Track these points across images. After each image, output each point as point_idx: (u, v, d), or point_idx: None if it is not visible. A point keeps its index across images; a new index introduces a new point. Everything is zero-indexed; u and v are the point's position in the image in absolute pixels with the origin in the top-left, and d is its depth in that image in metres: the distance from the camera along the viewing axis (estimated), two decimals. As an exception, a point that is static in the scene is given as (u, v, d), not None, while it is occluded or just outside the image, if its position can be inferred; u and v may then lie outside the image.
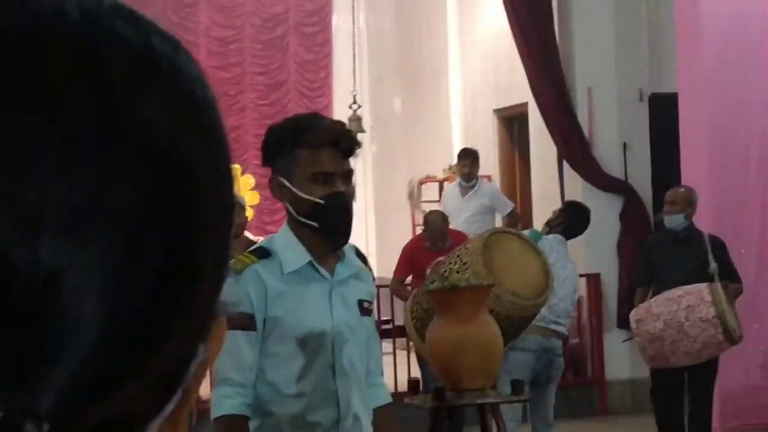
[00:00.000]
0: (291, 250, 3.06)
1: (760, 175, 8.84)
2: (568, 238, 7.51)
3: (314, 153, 3.05)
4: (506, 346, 6.59)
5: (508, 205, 10.73)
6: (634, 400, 9.74)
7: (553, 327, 7.04)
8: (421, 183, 13.75)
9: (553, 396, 7.23)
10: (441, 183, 12.74)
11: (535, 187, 11.42)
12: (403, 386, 8.88)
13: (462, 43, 13.30)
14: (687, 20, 8.88)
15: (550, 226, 7.45)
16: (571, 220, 7.52)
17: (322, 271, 3.09)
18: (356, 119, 13.31)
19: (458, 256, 6.23)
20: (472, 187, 10.54)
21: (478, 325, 4.30)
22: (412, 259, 9.00)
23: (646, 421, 7.57)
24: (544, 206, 11.04)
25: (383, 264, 15.96)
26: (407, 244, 9.51)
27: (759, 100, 8.83)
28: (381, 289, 10.26)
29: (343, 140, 3.08)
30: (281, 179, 3.07)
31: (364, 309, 3.16)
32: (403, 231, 13.73)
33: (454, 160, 12.46)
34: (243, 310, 2.97)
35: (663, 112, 9.82)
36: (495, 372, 4.43)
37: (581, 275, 9.85)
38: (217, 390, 3.01)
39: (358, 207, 14.90)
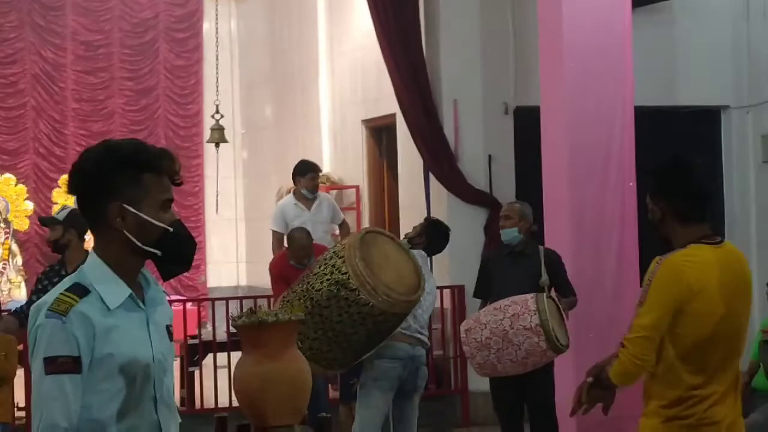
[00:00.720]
0: (109, 285, 2.98)
1: (618, 189, 8.99)
2: (428, 255, 7.62)
3: (161, 179, 3.02)
4: (375, 347, 6.58)
5: (341, 215, 10.81)
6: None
7: (418, 336, 7.06)
8: (289, 191, 13.66)
9: (417, 408, 7.22)
10: (286, 194, 12.63)
11: (402, 198, 11.47)
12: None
13: (331, 52, 13.30)
14: (550, 36, 9.03)
15: (412, 243, 7.42)
16: (431, 239, 7.57)
17: (139, 302, 3.04)
18: (218, 128, 13.20)
19: (334, 251, 6.25)
20: (315, 199, 10.52)
21: (286, 360, 4.26)
22: (282, 277, 8.96)
23: (501, 434, 7.67)
24: (410, 216, 11.10)
25: (252, 272, 15.92)
26: (273, 264, 9.45)
27: (617, 116, 9.00)
28: (245, 301, 10.26)
29: (179, 169, 3.09)
30: (125, 206, 2.96)
31: (171, 334, 3.14)
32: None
33: (324, 170, 12.44)
34: (69, 354, 2.88)
35: (528, 125, 9.92)
36: (303, 408, 4.37)
37: (446, 287, 9.96)
38: None
39: (229, 214, 14.75)
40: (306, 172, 10.49)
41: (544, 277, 7.36)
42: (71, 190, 3.05)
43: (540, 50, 9.25)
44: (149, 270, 3.15)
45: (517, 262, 7.53)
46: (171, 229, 3.02)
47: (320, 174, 10.81)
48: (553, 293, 7.31)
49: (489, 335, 7.03)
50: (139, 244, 2.99)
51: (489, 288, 7.57)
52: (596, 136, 8.95)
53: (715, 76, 11.14)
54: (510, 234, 7.60)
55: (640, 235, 9.13)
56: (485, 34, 10.45)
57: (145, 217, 2.98)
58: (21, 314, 7.42)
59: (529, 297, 7.03)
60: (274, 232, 10.44)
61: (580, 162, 8.91)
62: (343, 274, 6.00)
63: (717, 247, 4.22)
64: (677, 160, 4.31)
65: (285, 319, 4.18)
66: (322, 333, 6.09)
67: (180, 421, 3.20)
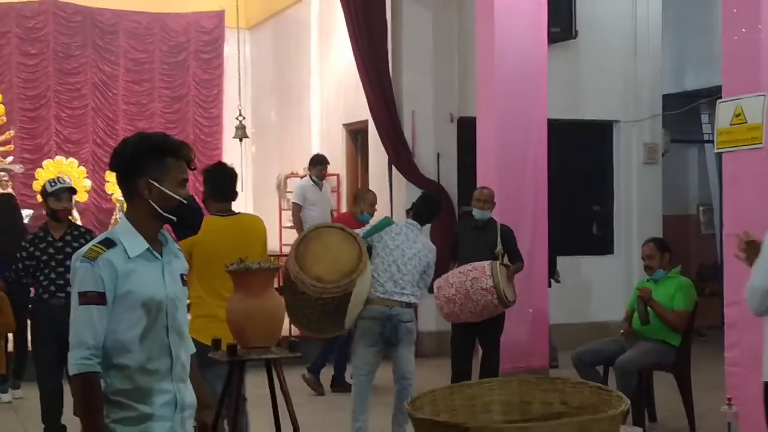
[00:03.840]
0: (132, 239, 3.03)
1: (533, 185, 9.04)
2: (420, 222, 6.80)
3: (179, 163, 3.07)
4: (339, 321, 6.12)
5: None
6: (439, 346, 9.89)
7: (396, 297, 6.39)
8: (286, 177, 13.68)
9: (407, 354, 6.52)
10: (301, 177, 12.64)
11: (371, 184, 11.41)
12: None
13: (321, 70, 13.24)
14: (485, 62, 9.02)
15: (408, 213, 7.16)
16: (418, 209, 6.97)
17: (156, 254, 3.07)
18: (241, 127, 13.24)
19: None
20: (323, 184, 10.67)
21: (264, 298, 4.38)
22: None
23: (447, 363, 7.61)
24: (378, 200, 11.06)
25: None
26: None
27: (534, 126, 9.03)
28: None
29: (194, 157, 3.16)
30: (151, 182, 3.01)
31: (184, 281, 3.18)
32: (273, 213, 13.67)
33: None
34: (96, 290, 2.93)
35: (468, 131, 9.91)
36: (277, 334, 4.43)
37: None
38: (75, 352, 2.93)
39: (239, 195, 14.75)
40: (318, 163, 10.62)
41: (499, 247, 7.32)
42: (112, 168, 3.09)
43: (477, 73, 9.24)
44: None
45: (479, 234, 7.47)
46: (185, 202, 3.07)
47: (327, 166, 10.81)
48: (506, 260, 7.28)
49: (454, 293, 7.02)
50: (161, 211, 3.03)
51: (457, 252, 7.51)
52: (518, 141, 8.96)
53: (609, 97, 11.15)
54: (486, 214, 7.55)
55: (549, 222, 9.16)
56: (437, 60, 10.44)
57: (166, 190, 3.02)
58: (9, 277, 6.65)
59: (486, 264, 7.00)
60: (297, 204, 10.46)
61: (506, 162, 8.92)
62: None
63: (226, 218, 5.25)
64: (222, 166, 5.48)
65: (265, 267, 4.33)
66: (302, 311, 6.02)
67: (194, 350, 3.27)
